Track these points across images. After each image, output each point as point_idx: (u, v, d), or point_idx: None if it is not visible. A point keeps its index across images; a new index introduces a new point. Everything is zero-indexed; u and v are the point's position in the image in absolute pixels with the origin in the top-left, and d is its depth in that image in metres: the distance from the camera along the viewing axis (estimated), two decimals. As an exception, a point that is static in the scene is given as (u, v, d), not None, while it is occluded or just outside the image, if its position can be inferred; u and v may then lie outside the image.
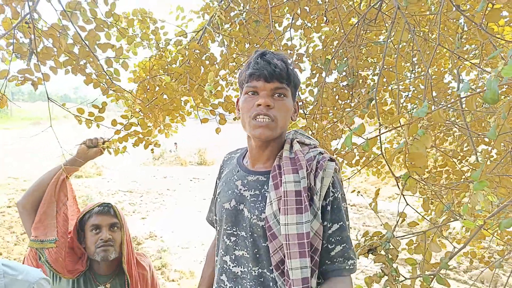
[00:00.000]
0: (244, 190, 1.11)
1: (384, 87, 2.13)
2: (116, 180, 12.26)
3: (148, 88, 1.88)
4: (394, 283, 1.87)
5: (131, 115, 1.81)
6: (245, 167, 1.16)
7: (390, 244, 1.82)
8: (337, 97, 2.15)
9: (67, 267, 1.57)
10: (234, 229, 1.11)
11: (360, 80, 2.08)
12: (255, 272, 1.06)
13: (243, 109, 1.09)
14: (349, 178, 2.24)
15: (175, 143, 17.13)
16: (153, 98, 1.83)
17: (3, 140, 20.98)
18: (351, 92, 2.10)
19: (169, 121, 2.07)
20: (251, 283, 1.06)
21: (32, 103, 73.03)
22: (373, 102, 1.71)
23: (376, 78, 2.12)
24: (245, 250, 1.08)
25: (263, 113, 1.04)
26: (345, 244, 1.04)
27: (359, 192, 3.07)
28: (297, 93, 1.15)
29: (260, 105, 1.04)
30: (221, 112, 1.88)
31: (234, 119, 1.63)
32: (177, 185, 11.77)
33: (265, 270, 1.05)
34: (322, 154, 1.08)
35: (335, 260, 1.03)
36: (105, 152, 1.72)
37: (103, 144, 1.67)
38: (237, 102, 1.19)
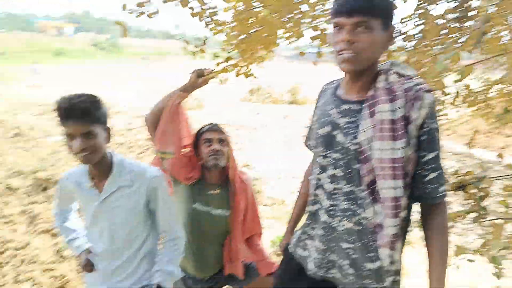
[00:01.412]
0: (338, 118, 1.22)
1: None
2: (214, 113, 13.15)
3: (243, 20, 1.97)
4: (482, 220, 1.90)
5: (231, 49, 1.98)
6: (339, 97, 1.27)
7: (481, 183, 1.83)
8: (444, 31, 2.03)
9: (184, 174, 1.91)
10: (328, 152, 1.25)
11: (472, 12, 1.93)
12: (346, 189, 1.21)
13: (332, 43, 1.18)
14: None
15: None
16: (250, 31, 1.94)
17: (116, 73, 23.55)
18: (460, 26, 1.97)
19: (262, 54, 2.16)
20: (342, 197, 1.22)
21: (140, 39, 78.99)
22: (485, 37, 1.63)
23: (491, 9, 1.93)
24: (339, 169, 1.22)
25: (345, 48, 1.10)
26: (439, 171, 1.12)
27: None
28: (390, 22, 1.15)
29: (343, 40, 1.10)
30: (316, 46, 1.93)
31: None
32: (269, 121, 12.22)
33: (356, 188, 1.19)
34: (420, 85, 1.12)
35: (429, 185, 1.12)
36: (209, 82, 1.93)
37: (209, 74, 1.88)
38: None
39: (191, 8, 1.92)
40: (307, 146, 1.53)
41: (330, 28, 1.28)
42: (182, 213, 1.94)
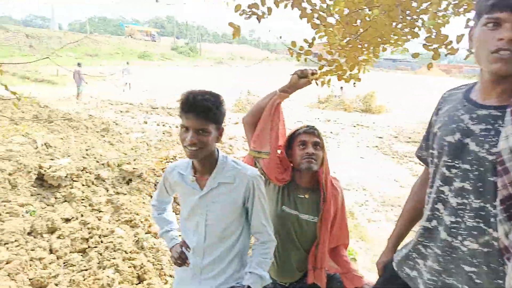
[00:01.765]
0: (472, 124, 1.10)
1: None
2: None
3: (351, 21, 1.90)
4: None
5: (336, 51, 1.92)
6: (474, 101, 1.14)
7: None
8: None
9: (276, 175, 1.89)
10: (456, 162, 1.12)
11: None
12: (475, 204, 1.07)
13: (480, 42, 1.05)
14: None
15: (341, 87, 16.95)
16: (358, 33, 1.87)
17: (194, 75, 24.78)
18: None
19: (366, 57, 2.06)
20: (470, 214, 1.09)
21: (216, 44, 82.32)
22: None
23: None
24: (467, 182, 1.09)
25: (505, 48, 0.98)
26: None
27: None
28: None
29: (502, 39, 0.98)
30: (434, 47, 1.79)
31: (446, 55, 1.58)
32: (340, 129, 11.91)
33: (488, 204, 1.05)
34: None
35: None
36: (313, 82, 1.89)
37: (312, 75, 1.85)
38: (470, 32, 1.14)
39: (304, 8, 1.90)
40: (419, 157, 1.42)
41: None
42: (271, 213, 1.91)
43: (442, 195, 1.17)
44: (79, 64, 15.53)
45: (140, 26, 75.30)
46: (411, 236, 1.39)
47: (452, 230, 1.13)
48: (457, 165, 1.12)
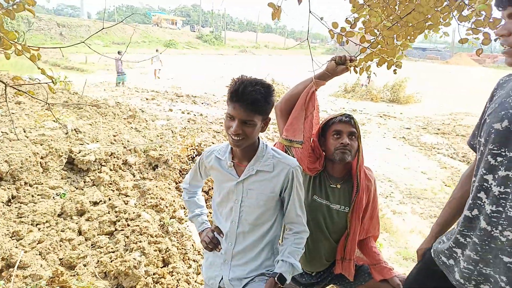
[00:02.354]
0: None
1: None
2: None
3: (398, 3, 1.81)
4: None
5: (379, 33, 1.81)
6: None
7: None
8: None
9: (307, 164, 1.84)
10: (502, 150, 1.08)
11: None
12: None
13: (505, 32, 1.02)
14: None
15: (368, 77, 16.56)
16: (405, 14, 1.76)
17: (218, 63, 24.79)
18: None
19: (405, 42, 1.94)
20: None
21: (240, 32, 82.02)
22: None
23: None
24: None
25: None
26: None
27: None
28: None
29: None
30: (486, 31, 1.68)
31: (495, 40, 1.49)
32: (366, 120, 11.67)
33: None
34: None
35: None
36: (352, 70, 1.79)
37: (350, 62, 1.75)
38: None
39: None
40: (471, 145, 1.36)
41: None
42: None
43: (486, 184, 1.12)
44: (119, 53, 15.98)
45: (166, 15, 75.86)
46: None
47: (492, 219, 1.09)
48: (503, 153, 1.08)
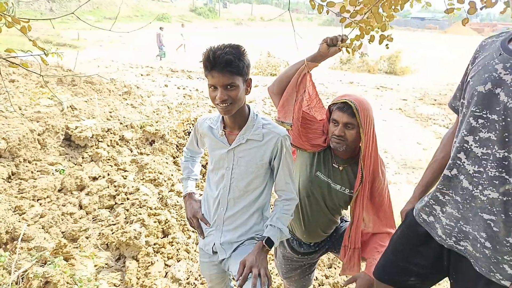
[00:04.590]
0: (504, 74, 1.07)
1: None
2: (305, 81, 12.91)
3: None
4: None
5: (359, 2, 1.79)
6: (510, 51, 1.10)
7: None
8: None
9: (310, 141, 1.86)
10: (484, 112, 1.11)
11: None
12: (499, 155, 1.07)
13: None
14: None
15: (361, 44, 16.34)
16: None
17: (213, 36, 24.38)
18: None
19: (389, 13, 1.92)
20: (492, 164, 1.09)
21: (235, 4, 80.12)
22: None
23: None
24: (493, 132, 1.08)
25: None
26: None
27: None
28: None
29: None
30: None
31: (481, 8, 1.49)
32: (363, 92, 11.64)
33: (511, 155, 1.05)
34: None
35: None
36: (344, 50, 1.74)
37: (341, 42, 1.72)
38: None
39: None
40: (452, 107, 1.39)
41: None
42: (304, 176, 1.92)
43: (466, 145, 1.16)
44: (161, 28, 16.47)
45: (159, -13, 73.65)
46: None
47: (474, 179, 1.14)
48: (485, 115, 1.10)
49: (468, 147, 1.15)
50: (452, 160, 1.22)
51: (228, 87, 1.38)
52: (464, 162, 1.17)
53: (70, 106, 5.02)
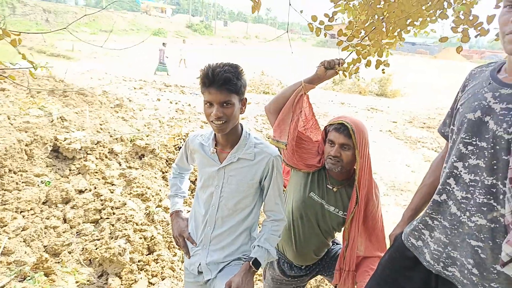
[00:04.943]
0: (494, 103, 1.10)
1: None
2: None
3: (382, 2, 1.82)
4: None
5: (356, 26, 1.82)
6: (499, 80, 1.14)
7: None
8: None
9: (304, 161, 1.86)
10: (474, 139, 1.13)
11: None
12: (488, 182, 1.09)
13: (499, 23, 1.06)
14: None
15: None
16: (384, 14, 1.77)
17: (208, 53, 24.61)
18: None
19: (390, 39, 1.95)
20: (481, 191, 1.10)
21: (231, 22, 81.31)
22: None
23: None
24: (482, 159, 1.10)
25: None
26: None
27: None
28: None
29: None
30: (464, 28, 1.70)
31: (476, 36, 1.53)
32: (353, 113, 11.77)
33: (499, 182, 1.06)
34: None
35: None
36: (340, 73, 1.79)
37: (339, 66, 1.76)
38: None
39: None
40: (441, 133, 1.42)
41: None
42: (297, 197, 1.91)
43: (455, 171, 1.18)
44: (163, 44, 16.64)
45: (156, 3, 74.64)
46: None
47: (462, 205, 1.15)
48: (474, 143, 1.13)
49: (458, 173, 1.17)
50: (441, 186, 1.23)
51: (224, 104, 1.39)
52: (453, 188, 1.18)
53: (60, 117, 4.97)
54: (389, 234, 1.62)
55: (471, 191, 1.12)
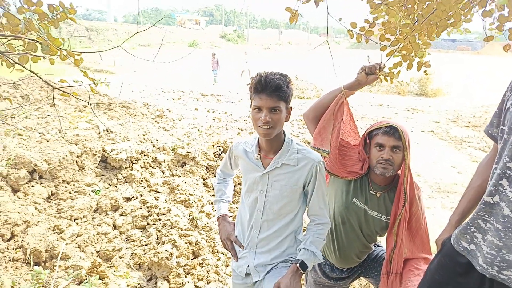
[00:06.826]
0: None
1: None
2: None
3: (418, 2, 1.79)
4: None
5: (398, 28, 1.80)
6: None
7: None
8: None
9: (347, 168, 1.85)
10: None
11: None
12: None
13: None
14: None
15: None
16: (426, 13, 1.74)
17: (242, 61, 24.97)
18: None
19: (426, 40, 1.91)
20: None
21: (263, 30, 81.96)
22: None
23: None
24: None
25: None
26: None
27: None
28: None
29: None
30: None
31: None
32: (393, 114, 11.47)
33: None
34: None
35: None
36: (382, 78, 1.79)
37: (379, 70, 1.75)
38: None
39: None
40: (489, 134, 1.38)
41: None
42: (339, 203, 1.91)
43: (509, 171, 1.14)
44: (214, 54, 17.89)
45: (190, 15, 76.82)
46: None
47: None
48: None
49: (511, 173, 1.13)
50: (493, 187, 1.19)
51: (273, 110, 1.44)
52: (506, 189, 1.14)
53: (106, 129, 5.24)
54: (435, 239, 1.58)
55: None
